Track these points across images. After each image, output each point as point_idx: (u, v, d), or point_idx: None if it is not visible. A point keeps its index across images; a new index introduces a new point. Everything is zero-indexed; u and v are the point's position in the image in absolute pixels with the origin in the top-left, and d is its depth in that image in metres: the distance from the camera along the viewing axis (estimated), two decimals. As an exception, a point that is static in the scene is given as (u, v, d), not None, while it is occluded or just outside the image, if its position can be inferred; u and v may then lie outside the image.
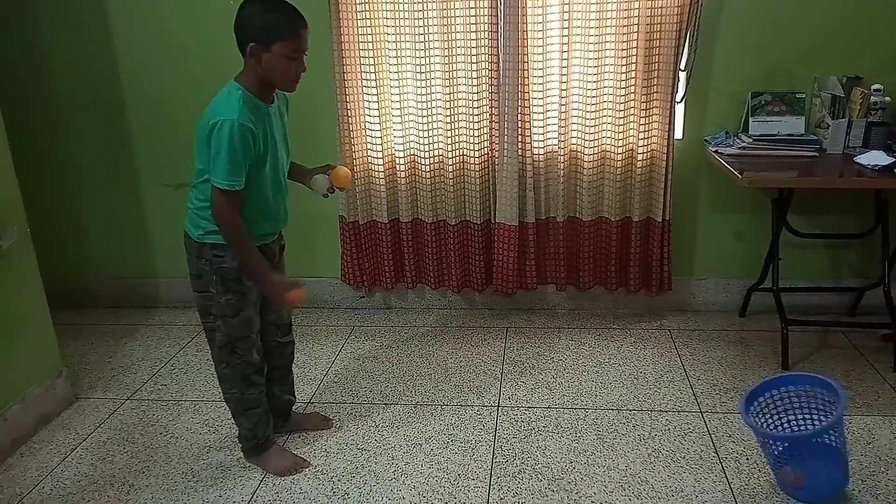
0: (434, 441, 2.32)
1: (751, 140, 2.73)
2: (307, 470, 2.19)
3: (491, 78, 2.84)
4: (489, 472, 2.16)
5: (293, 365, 2.34)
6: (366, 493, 2.08)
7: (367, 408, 2.53)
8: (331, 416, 2.46)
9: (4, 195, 2.33)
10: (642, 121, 2.83)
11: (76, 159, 3.25)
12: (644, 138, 2.85)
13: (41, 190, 3.20)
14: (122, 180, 3.25)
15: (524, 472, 2.15)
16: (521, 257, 3.07)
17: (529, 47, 2.77)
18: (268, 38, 1.82)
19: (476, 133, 2.91)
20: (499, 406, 2.51)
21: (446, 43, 2.80)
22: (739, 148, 2.72)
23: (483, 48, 2.80)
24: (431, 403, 2.54)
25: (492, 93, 2.86)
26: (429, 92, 2.87)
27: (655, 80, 2.78)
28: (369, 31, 2.81)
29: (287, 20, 1.84)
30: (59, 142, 3.23)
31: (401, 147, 2.99)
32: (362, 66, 2.86)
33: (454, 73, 2.85)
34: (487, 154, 2.98)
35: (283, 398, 2.32)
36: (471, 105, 2.88)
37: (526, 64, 2.79)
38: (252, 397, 2.13)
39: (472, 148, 2.94)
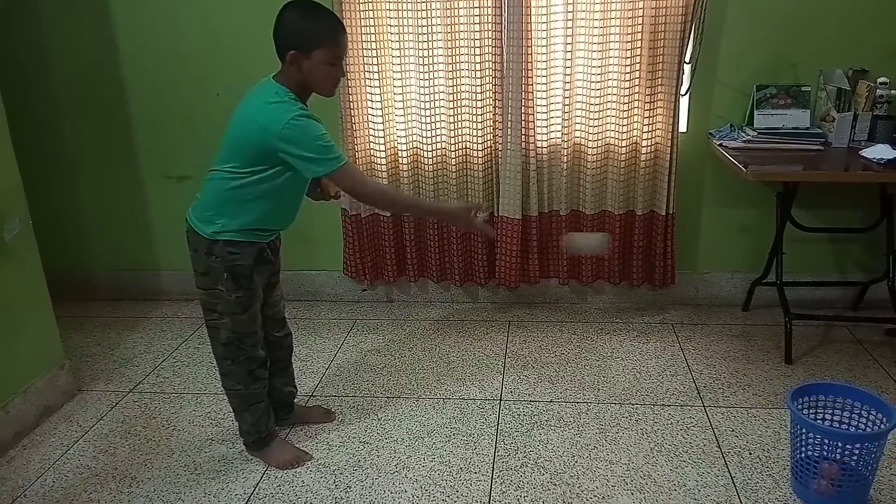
0: (436, 434, 2.32)
1: (755, 133, 2.72)
2: (309, 463, 2.19)
3: (494, 70, 2.82)
4: (491, 465, 2.16)
5: (293, 357, 2.34)
6: (368, 486, 2.08)
7: (370, 401, 2.53)
8: (333, 410, 2.46)
9: (6, 187, 2.32)
10: (646, 114, 2.81)
11: (78, 151, 3.24)
12: (648, 131, 2.84)
13: (43, 182, 3.19)
14: (124, 172, 3.25)
15: (526, 465, 2.15)
16: (524, 251, 3.06)
17: (533, 39, 2.76)
18: (308, 45, 1.81)
19: (479, 126, 2.90)
20: (501, 400, 2.51)
21: (449, 35, 2.79)
22: (744, 141, 2.71)
23: (486, 40, 2.78)
24: (434, 397, 2.54)
25: (495, 85, 2.85)
26: (432, 85, 2.86)
27: (660, 72, 2.77)
28: (372, 24, 2.79)
29: (327, 27, 1.84)
30: (60, 133, 3.22)
31: (403, 140, 2.97)
32: (365, 59, 2.84)
33: (457, 65, 2.84)
34: (490, 147, 2.96)
35: (284, 390, 2.32)
36: (474, 98, 2.87)
37: (529, 56, 2.77)
38: (256, 392, 2.13)
39: (475, 141, 2.93)
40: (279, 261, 2.17)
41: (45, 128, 3.20)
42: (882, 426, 1.94)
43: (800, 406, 2.01)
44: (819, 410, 2.05)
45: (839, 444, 1.91)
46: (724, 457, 2.16)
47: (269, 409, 2.19)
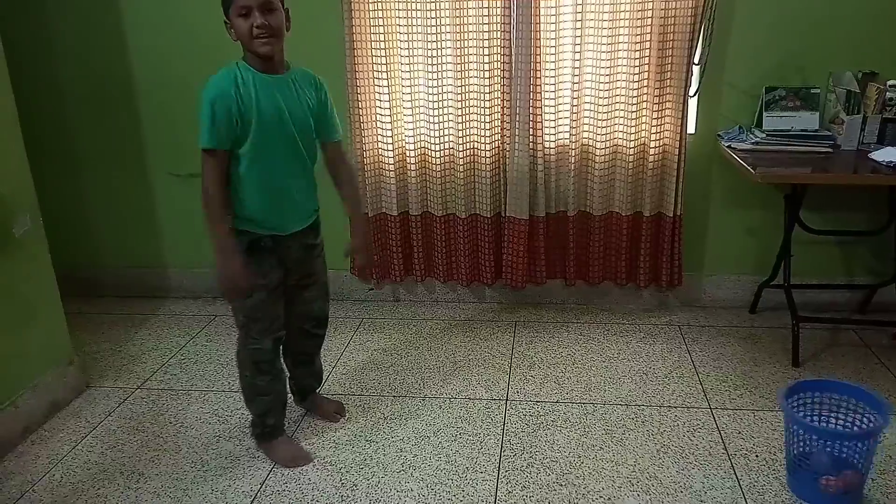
0: (442, 434, 2.32)
1: (764, 135, 2.71)
2: (316, 461, 2.20)
3: (503, 71, 2.82)
4: (497, 465, 2.16)
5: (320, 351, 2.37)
6: (374, 484, 2.09)
7: (376, 400, 2.53)
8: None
9: (17, 184, 2.34)
10: (655, 115, 2.81)
11: (87, 148, 3.26)
12: (656, 132, 2.83)
13: (53, 179, 3.20)
14: (134, 170, 3.26)
15: (532, 466, 2.15)
16: (531, 251, 3.06)
17: (542, 40, 2.76)
18: (225, 8, 1.91)
19: (487, 126, 2.90)
20: (507, 400, 2.51)
21: (458, 35, 2.79)
22: (753, 143, 2.70)
23: (495, 40, 2.78)
24: (440, 396, 2.54)
25: (503, 86, 2.85)
26: (440, 84, 2.86)
27: (669, 73, 2.76)
28: (381, 23, 2.80)
29: None
30: (70, 131, 3.23)
31: (411, 140, 2.98)
32: (373, 58, 2.85)
33: (465, 65, 2.84)
34: (498, 147, 2.96)
35: (304, 381, 2.36)
36: (482, 98, 2.87)
37: (538, 57, 2.77)
38: (261, 385, 2.14)
39: (483, 141, 2.93)
40: (311, 262, 2.17)
41: (55, 126, 3.22)
42: (875, 424, 1.95)
43: (795, 403, 2.03)
44: (815, 407, 2.06)
45: (830, 443, 1.93)
46: (730, 459, 2.16)
47: (278, 406, 2.20)
